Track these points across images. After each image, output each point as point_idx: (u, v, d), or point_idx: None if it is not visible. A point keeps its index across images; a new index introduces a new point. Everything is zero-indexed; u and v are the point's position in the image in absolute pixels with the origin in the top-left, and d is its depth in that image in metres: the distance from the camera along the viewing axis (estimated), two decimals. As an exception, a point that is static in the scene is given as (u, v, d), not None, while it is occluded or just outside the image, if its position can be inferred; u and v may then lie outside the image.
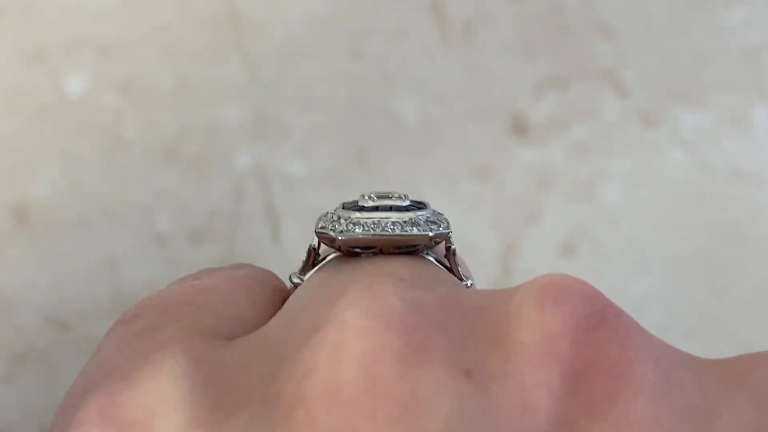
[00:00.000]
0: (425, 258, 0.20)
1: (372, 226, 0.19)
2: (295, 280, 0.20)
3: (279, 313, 0.18)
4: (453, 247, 0.20)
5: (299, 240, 0.32)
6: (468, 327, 0.16)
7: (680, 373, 0.15)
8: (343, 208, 0.20)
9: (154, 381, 0.16)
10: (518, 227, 0.33)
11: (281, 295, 0.20)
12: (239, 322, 0.18)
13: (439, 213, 0.20)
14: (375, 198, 0.20)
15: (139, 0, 0.32)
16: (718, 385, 0.15)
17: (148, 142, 0.32)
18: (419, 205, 0.20)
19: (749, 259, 0.34)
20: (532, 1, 0.33)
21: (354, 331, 0.15)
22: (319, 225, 0.20)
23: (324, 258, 0.20)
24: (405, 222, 0.19)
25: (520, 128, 0.33)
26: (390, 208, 0.20)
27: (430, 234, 0.19)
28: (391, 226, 0.19)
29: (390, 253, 0.20)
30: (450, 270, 0.20)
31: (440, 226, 0.20)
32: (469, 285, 0.20)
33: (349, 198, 0.21)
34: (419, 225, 0.19)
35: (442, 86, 0.33)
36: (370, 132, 0.33)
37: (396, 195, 0.20)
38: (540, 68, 0.33)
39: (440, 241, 0.20)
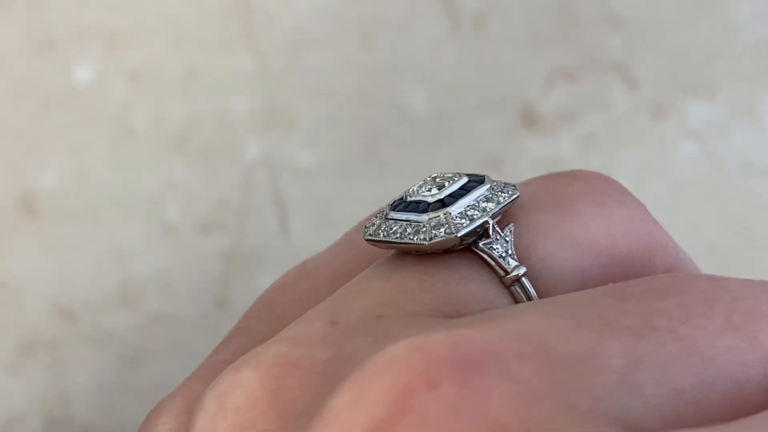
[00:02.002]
0: (459, 257, 0.18)
1: (384, 229, 0.18)
2: None
3: None
4: (484, 242, 0.18)
5: (308, 231, 0.32)
6: (312, 399, 0.15)
7: None
8: (391, 204, 0.19)
9: (151, 424, 0.17)
10: (527, 219, 0.33)
11: None
12: None
13: (480, 200, 0.18)
14: (416, 192, 0.18)
15: (148, -11, 0.32)
16: None
17: (157, 132, 0.32)
18: (459, 193, 0.18)
19: (758, 253, 0.34)
20: (542, -7, 0.33)
21: (201, 408, 0.16)
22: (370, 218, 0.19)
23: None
24: (415, 227, 0.18)
25: (529, 120, 0.33)
26: (418, 205, 0.18)
27: (426, 243, 0.17)
28: (399, 231, 0.18)
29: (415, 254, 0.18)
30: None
31: (445, 227, 0.17)
32: (520, 274, 0.17)
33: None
34: (424, 231, 0.18)
35: (451, 77, 0.33)
36: (379, 123, 0.33)
37: (438, 185, 0.18)
38: (550, 60, 0.33)
39: (480, 233, 0.18)
